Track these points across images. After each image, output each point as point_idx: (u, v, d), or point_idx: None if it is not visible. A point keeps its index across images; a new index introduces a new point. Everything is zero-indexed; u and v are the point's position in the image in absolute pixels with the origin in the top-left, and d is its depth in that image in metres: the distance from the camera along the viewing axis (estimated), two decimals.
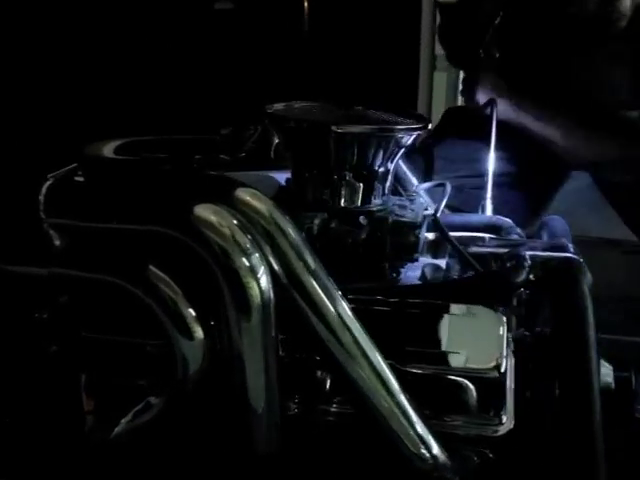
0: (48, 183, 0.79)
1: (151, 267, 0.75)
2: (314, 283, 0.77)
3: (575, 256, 0.94)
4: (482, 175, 1.21)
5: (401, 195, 1.08)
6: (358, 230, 0.93)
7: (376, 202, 0.97)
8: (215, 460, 0.77)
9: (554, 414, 0.87)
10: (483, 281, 0.91)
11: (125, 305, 0.80)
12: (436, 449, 0.80)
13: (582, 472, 0.85)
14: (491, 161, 1.20)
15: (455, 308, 0.87)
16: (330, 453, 0.86)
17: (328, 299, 0.77)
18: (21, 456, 0.87)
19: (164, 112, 1.16)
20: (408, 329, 0.87)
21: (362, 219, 0.95)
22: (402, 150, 0.97)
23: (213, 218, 0.74)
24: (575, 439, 0.85)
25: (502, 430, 0.85)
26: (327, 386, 0.87)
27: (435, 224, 0.94)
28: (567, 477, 0.85)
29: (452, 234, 1.06)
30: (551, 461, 0.85)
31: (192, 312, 0.75)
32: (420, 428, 0.79)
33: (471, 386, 0.84)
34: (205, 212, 0.74)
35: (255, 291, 0.73)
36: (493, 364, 0.83)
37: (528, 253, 0.94)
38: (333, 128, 0.92)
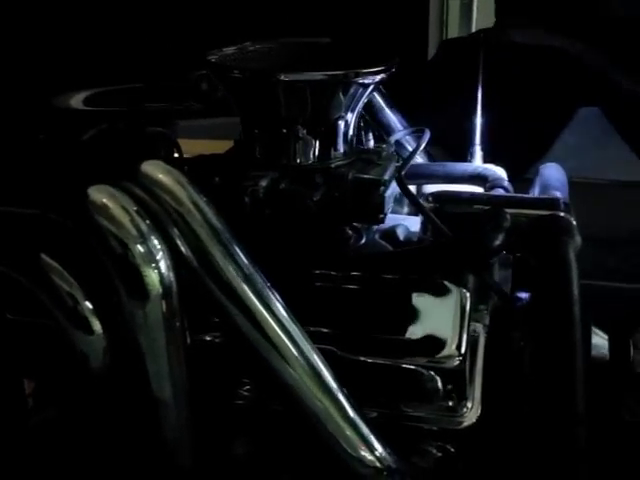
0: None
1: (42, 256, 0.66)
2: (230, 267, 0.67)
3: (564, 215, 0.81)
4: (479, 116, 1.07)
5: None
6: (311, 190, 0.82)
7: (336, 157, 0.85)
8: (127, 460, 0.69)
9: (530, 399, 0.76)
10: (454, 248, 0.79)
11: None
12: (380, 450, 0.70)
13: (561, 469, 0.74)
14: (479, 100, 1.05)
15: (413, 283, 0.76)
16: (279, 445, 0.77)
17: (246, 283, 0.67)
18: None
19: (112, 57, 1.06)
20: (358, 309, 0.76)
21: (318, 177, 0.83)
22: (365, 97, 0.84)
23: (105, 201, 0.64)
24: (554, 423, 0.74)
25: (467, 421, 0.74)
26: None
27: (398, 181, 0.82)
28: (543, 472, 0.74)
29: (430, 187, 0.94)
30: (525, 452, 0.75)
31: (89, 305, 0.66)
32: (360, 426, 0.69)
33: (431, 373, 0.73)
34: (97, 195, 0.64)
35: (151, 279, 0.63)
36: (452, 351, 0.72)
37: (511, 211, 0.82)
38: (279, 76, 0.80)
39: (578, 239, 0.80)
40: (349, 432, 0.69)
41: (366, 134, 1.06)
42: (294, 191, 0.81)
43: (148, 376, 0.65)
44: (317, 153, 0.84)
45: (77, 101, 1.02)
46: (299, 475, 0.75)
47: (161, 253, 0.64)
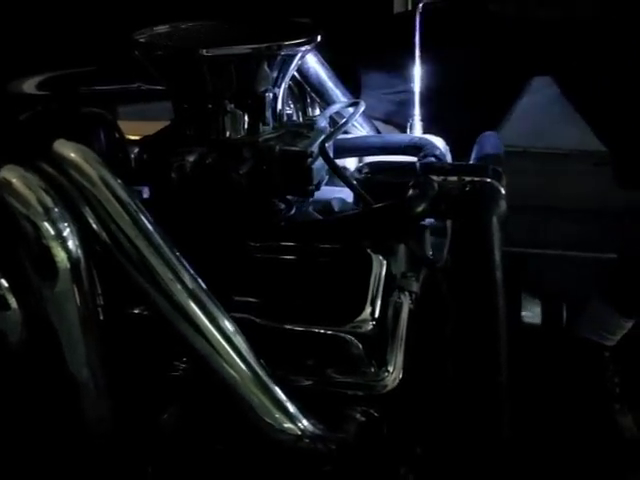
0: None
1: None
2: (139, 241, 0.68)
3: (491, 181, 0.82)
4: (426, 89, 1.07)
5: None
6: (239, 164, 0.83)
7: (265, 131, 0.86)
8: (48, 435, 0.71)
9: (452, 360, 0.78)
10: (378, 215, 0.79)
11: None
12: (299, 417, 0.71)
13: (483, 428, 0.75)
14: (417, 69, 1.05)
15: (330, 252, 0.77)
16: (204, 417, 0.78)
17: (156, 255, 0.68)
18: None
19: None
20: (280, 279, 0.77)
21: (246, 151, 0.84)
22: (290, 69, 0.85)
23: (14, 181, 0.65)
24: (475, 384, 0.76)
25: (388, 385, 0.75)
26: None
27: (322, 153, 0.82)
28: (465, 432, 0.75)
29: (370, 159, 0.95)
30: (447, 414, 0.76)
31: (3, 282, 0.67)
32: (278, 395, 0.71)
33: (349, 339, 0.75)
34: (7, 174, 0.66)
35: (59, 256, 0.65)
36: (366, 316, 0.73)
37: (439, 179, 0.82)
38: (202, 52, 0.81)
39: (503, 204, 0.81)
40: (265, 400, 0.70)
41: (312, 106, 1.07)
42: (221, 165, 0.83)
43: (62, 351, 0.67)
44: (246, 127, 0.85)
45: (17, 86, 1.03)
46: (229, 444, 0.76)
47: (68, 230, 0.65)
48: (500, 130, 1.27)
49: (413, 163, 0.90)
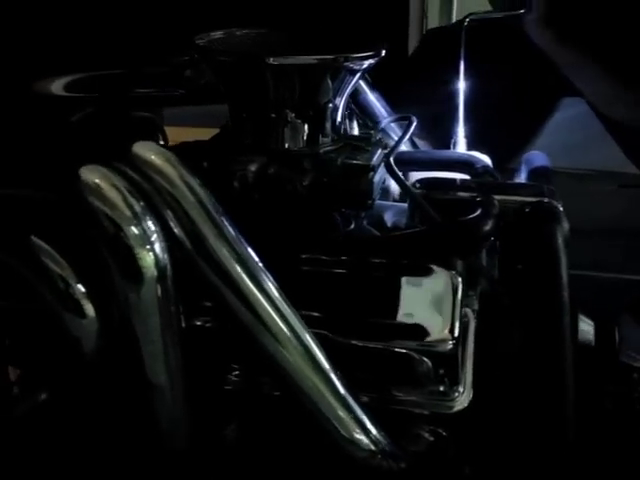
0: None
1: (32, 238, 0.65)
2: (223, 250, 0.66)
3: (551, 201, 0.82)
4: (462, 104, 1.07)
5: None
6: (301, 175, 0.81)
7: (324, 143, 0.85)
8: (121, 451, 0.68)
9: (520, 384, 0.77)
10: (444, 234, 0.79)
11: None
12: (375, 433, 0.70)
13: (550, 447, 0.74)
14: (461, 88, 1.05)
15: (404, 268, 0.75)
16: (272, 431, 0.76)
17: (240, 266, 0.66)
18: None
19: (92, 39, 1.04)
20: (350, 293, 0.76)
21: (306, 163, 0.83)
22: (353, 82, 0.84)
23: (98, 181, 0.63)
24: (544, 407, 0.75)
25: (458, 405, 0.74)
26: None
27: (387, 167, 0.82)
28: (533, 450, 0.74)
29: (416, 174, 0.94)
30: (515, 434, 0.75)
31: (81, 288, 0.65)
32: (355, 409, 0.69)
33: (423, 358, 0.73)
34: (90, 175, 0.63)
35: (147, 262, 0.63)
36: (445, 335, 0.72)
37: (499, 197, 0.82)
38: (269, 60, 0.79)
39: (566, 225, 0.81)
40: (343, 415, 0.69)
41: (350, 121, 1.06)
42: (284, 176, 0.81)
43: (143, 359, 0.64)
44: (305, 138, 0.84)
45: (58, 87, 1.00)
46: (292, 460, 0.75)
47: (155, 235, 0.63)
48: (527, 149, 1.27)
49: (469, 180, 0.90)
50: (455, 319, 0.72)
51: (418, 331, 0.72)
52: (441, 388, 0.74)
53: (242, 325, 0.66)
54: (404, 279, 0.75)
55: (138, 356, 0.64)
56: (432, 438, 0.75)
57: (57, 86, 0.93)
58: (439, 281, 0.74)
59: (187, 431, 0.67)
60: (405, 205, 0.92)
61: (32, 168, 0.66)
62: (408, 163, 0.98)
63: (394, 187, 0.98)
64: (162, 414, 0.66)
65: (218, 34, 0.88)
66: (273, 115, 0.83)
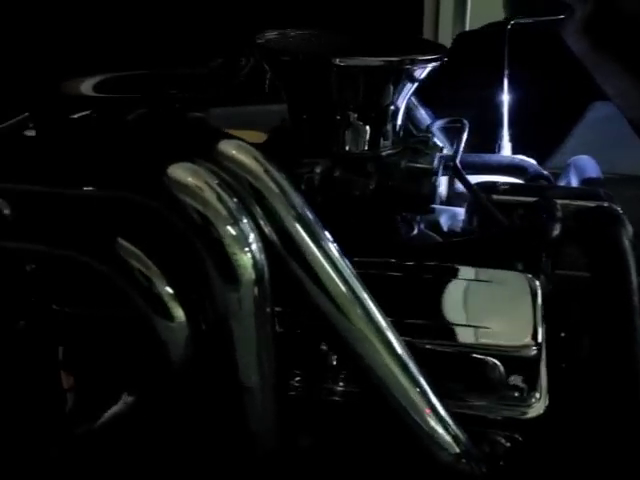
0: None
1: (119, 240, 0.62)
2: (315, 251, 0.64)
3: (611, 205, 0.82)
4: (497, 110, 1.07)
5: (411, 134, 0.94)
6: (367, 179, 0.80)
7: (385, 146, 0.84)
8: (206, 455, 0.66)
9: (593, 386, 0.76)
10: (514, 238, 0.78)
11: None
12: (460, 437, 0.69)
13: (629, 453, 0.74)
14: (505, 92, 1.05)
15: (481, 272, 0.75)
16: (337, 438, 0.75)
17: (332, 268, 0.65)
18: None
19: (140, 42, 1.02)
20: (427, 297, 0.75)
21: (370, 166, 0.82)
22: (415, 85, 0.83)
23: (190, 179, 0.60)
24: (619, 407, 0.74)
25: (534, 411, 0.73)
26: (332, 362, 0.75)
27: (455, 171, 0.81)
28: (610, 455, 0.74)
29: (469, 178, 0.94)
30: (591, 439, 0.75)
31: (170, 290, 0.62)
32: (442, 413, 0.68)
33: (497, 362, 0.72)
34: (180, 172, 0.61)
35: (244, 263, 0.60)
36: (529, 340, 0.71)
37: (560, 202, 0.82)
38: (335, 61, 0.78)
39: (630, 228, 0.81)
40: (432, 418, 0.67)
41: None
42: (351, 179, 0.80)
43: (236, 362, 0.62)
44: (367, 141, 0.83)
45: (88, 87, 0.98)
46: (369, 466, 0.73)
47: (252, 234, 0.61)
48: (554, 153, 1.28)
49: (527, 184, 0.89)
50: (537, 324, 0.72)
51: (501, 337, 0.72)
52: (520, 394, 0.73)
53: (334, 329, 0.65)
54: (484, 284, 0.74)
55: (231, 359, 0.62)
56: (509, 443, 0.74)
57: (84, 87, 0.90)
58: (520, 286, 0.74)
59: (275, 433, 0.65)
60: (455, 209, 0.91)
61: (112, 169, 0.64)
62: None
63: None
64: (252, 416, 0.64)
65: (272, 35, 0.86)
66: (336, 117, 0.82)
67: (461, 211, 0.90)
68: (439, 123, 0.95)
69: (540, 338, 0.71)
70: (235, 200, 0.61)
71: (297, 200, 0.65)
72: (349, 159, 0.82)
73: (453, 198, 0.92)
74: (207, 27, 1.10)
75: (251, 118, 0.93)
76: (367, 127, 0.82)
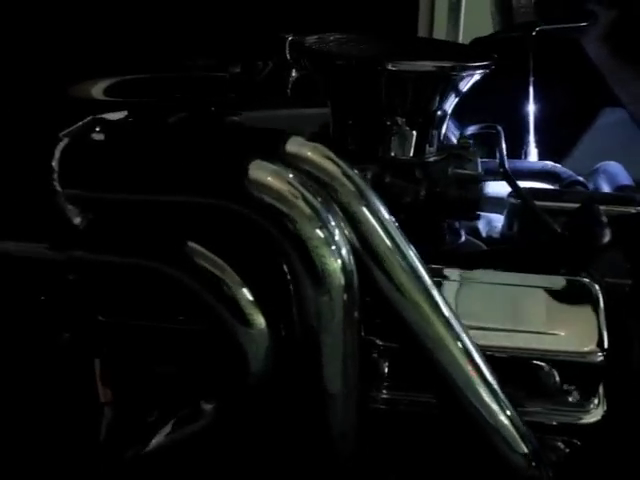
0: (62, 144, 0.62)
1: (195, 246, 0.60)
2: (399, 258, 0.63)
3: None
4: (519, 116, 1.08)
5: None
6: (417, 185, 0.80)
7: (430, 152, 0.83)
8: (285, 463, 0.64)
9: None
10: (564, 244, 0.78)
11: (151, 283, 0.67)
12: (533, 441, 0.68)
13: None
14: (531, 99, 1.06)
15: (545, 279, 0.75)
16: (416, 448, 0.73)
17: (414, 276, 0.64)
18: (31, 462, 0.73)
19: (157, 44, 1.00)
20: (489, 303, 0.74)
21: (418, 172, 0.81)
22: (464, 92, 0.83)
23: (272, 179, 0.59)
24: None
25: (592, 417, 0.73)
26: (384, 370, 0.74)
27: (505, 176, 0.81)
28: None
29: (492, 184, 0.94)
30: None
31: (250, 296, 0.60)
32: (515, 418, 0.67)
33: (551, 367, 0.72)
34: (261, 173, 0.59)
35: (333, 267, 0.59)
36: (595, 347, 0.71)
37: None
38: (387, 65, 0.77)
39: None
40: (507, 422, 0.67)
41: None
42: (402, 186, 0.79)
43: (322, 372, 0.60)
44: (413, 147, 0.82)
45: (98, 91, 0.95)
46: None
47: (339, 236, 0.60)
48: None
49: (568, 190, 0.90)
50: (603, 330, 0.72)
51: (567, 343, 0.71)
52: (580, 399, 0.73)
53: (415, 337, 0.64)
54: (548, 290, 0.74)
55: (317, 366, 0.60)
56: (568, 450, 0.73)
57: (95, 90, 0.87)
58: (585, 292, 0.74)
59: (355, 439, 0.63)
60: (489, 215, 0.91)
61: (187, 173, 0.61)
62: (493, 173, 0.97)
63: None
64: (334, 422, 0.62)
65: (311, 39, 0.85)
66: (384, 122, 0.81)
67: (496, 217, 0.90)
68: (472, 129, 0.95)
69: (606, 344, 0.71)
70: (320, 199, 0.60)
71: (377, 203, 0.64)
72: (398, 165, 0.81)
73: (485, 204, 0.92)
74: (223, 31, 1.08)
75: (285, 122, 0.91)
76: (414, 133, 0.82)
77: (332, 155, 0.64)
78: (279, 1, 1.44)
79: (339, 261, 0.59)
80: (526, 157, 1.05)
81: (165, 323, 0.71)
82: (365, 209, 0.63)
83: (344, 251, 0.60)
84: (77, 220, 0.61)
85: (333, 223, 0.60)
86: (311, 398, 0.61)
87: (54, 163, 0.60)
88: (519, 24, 1.22)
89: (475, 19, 1.72)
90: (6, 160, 0.62)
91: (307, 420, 0.62)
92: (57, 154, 0.60)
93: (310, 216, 0.59)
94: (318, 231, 0.59)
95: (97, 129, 0.64)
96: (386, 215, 0.64)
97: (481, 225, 0.90)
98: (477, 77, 0.82)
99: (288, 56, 0.89)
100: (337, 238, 0.59)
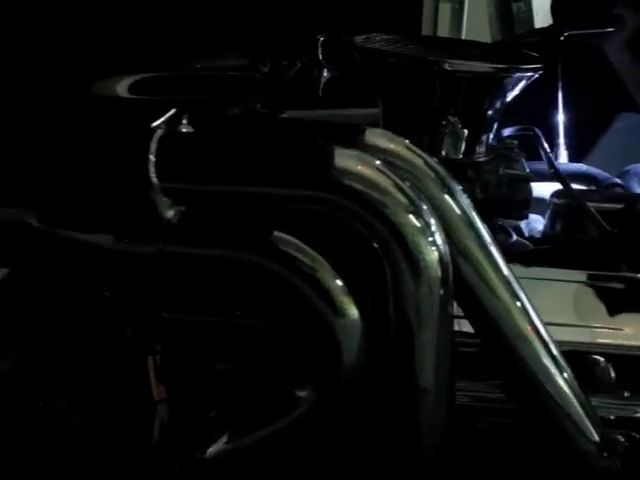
0: (157, 135, 0.61)
1: (289, 237, 0.60)
2: (485, 254, 0.64)
3: None
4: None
5: None
6: (471, 185, 0.81)
7: (480, 152, 0.84)
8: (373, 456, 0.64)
9: None
10: (612, 243, 0.80)
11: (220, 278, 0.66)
12: (604, 432, 0.69)
13: None
14: (560, 100, 1.08)
15: (604, 277, 0.76)
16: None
17: (498, 268, 0.65)
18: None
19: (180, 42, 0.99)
20: (550, 300, 0.76)
21: (471, 172, 0.82)
22: (513, 94, 0.84)
23: (361, 168, 0.59)
24: None
25: None
26: None
27: (559, 178, 0.82)
28: None
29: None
30: None
31: (343, 287, 0.60)
32: (589, 408, 0.68)
33: (608, 362, 0.74)
34: (350, 162, 0.59)
35: (433, 258, 0.59)
36: None
37: None
38: (443, 64, 0.78)
39: None
40: (583, 413, 0.68)
41: None
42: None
43: (415, 368, 0.60)
44: (464, 147, 0.83)
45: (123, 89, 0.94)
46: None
47: (436, 227, 0.60)
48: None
49: (610, 192, 0.92)
50: None
51: (627, 337, 0.73)
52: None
53: (498, 331, 0.64)
54: (608, 288, 0.75)
55: (410, 358, 0.61)
56: (628, 442, 0.75)
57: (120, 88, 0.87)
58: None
59: (444, 432, 0.64)
60: (532, 215, 0.93)
61: (278, 166, 0.61)
62: (537, 173, 0.98)
63: None
64: (424, 417, 0.62)
65: (358, 39, 0.86)
66: (437, 122, 0.82)
67: (536, 217, 0.92)
68: (509, 131, 0.96)
69: None
70: (410, 185, 0.60)
71: (460, 193, 0.64)
72: (450, 165, 0.82)
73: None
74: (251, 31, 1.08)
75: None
76: (463, 133, 0.83)
77: (413, 146, 0.64)
78: (279, 1, 1.44)
79: (436, 253, 0.59)
80: (556, 159, 1.06)
81: (230, 319, 0.71)
82: (449, 198, 0.63)
83: (440, 242, 0.60)
84: (170, 213, 0.60)
85: (429, 212, 0.60)
86: (402, 392, 0.61)
87: (150, 155, 0.59)
88: (541, 29, 1.24)
89: (477, 25, 1.75)
90: (96, 153, 0.61)
91: (397, 414, 0.62)
92: (153, 146, 0.59)
93: (405, 204, 0.59)
94: (414, 219, 0.59)
95: (184, 122, 0.63)
96: (469, 205, 0.64)
97: (524, 224, 0.91)
98: (527, 80, 0.83)
99: (320, 56, 0.90)
100: (433, 229, 0.60)
